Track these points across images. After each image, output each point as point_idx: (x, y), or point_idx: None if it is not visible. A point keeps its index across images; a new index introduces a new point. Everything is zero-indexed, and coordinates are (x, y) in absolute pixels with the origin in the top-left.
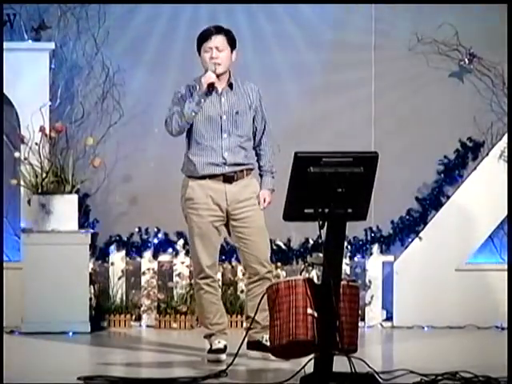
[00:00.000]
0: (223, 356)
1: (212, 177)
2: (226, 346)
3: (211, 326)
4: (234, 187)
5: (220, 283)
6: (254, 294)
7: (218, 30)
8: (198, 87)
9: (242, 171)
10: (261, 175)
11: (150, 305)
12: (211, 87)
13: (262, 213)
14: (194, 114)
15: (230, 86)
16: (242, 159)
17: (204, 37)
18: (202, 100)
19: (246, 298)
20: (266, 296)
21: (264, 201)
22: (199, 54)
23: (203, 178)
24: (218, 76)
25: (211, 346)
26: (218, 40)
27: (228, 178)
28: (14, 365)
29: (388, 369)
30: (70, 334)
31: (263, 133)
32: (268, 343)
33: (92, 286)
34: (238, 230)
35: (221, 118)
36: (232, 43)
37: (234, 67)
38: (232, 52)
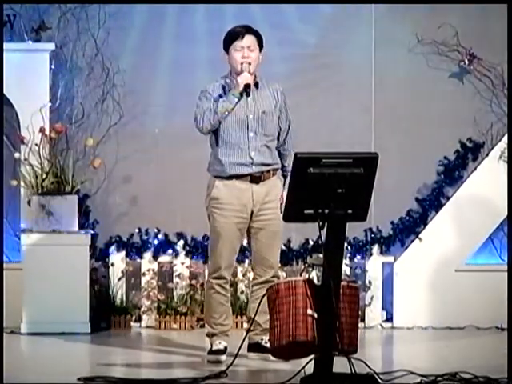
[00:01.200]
0: (223, 357)
1: (239, 177)
2: (226, 348)
3: (215, 326)
4: (261, 187)
5: None
6: (257, 295)
7: (249, 29)
8: (230, 86)
9: (268, 171)
10: (284, 176)
11: (150, 305)
12: (248, 88)
13: (281, 217)
14: (227, 112)
15: (256, 85)
16: (269, 159)
17: (235, 36)
18: (236, 99)
19: (250, 299)
20: (266, 297)
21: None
22: (227, 52)
23: (230, 178)
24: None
25: (211, 346)
26: (250, 39)
27: (255, 179)
28: (14, 365)
29: (388, 369)
30: (70, 334)
31: (287, 133)
32: (267, 345)
33: (92, 287)
34: (255, 231)
35: (247, 117)
36: (260, 43)
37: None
38: (260, 52)
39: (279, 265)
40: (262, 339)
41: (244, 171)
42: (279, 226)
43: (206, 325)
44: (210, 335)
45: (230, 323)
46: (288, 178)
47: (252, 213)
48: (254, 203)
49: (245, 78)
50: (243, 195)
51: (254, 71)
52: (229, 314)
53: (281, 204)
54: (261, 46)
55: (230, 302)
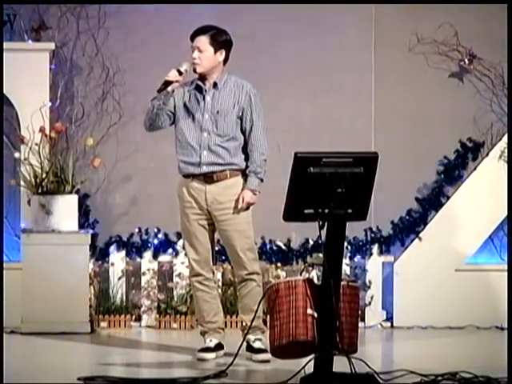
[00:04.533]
0: (210, 355)
1: (194, 176)
2: (218, 345)
3: (205, 324)
4: (215, 188)
5: (220, 283)
6: (240, 295)
7: (202, 30)
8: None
9: (223, 171)
10: (247, 175)
11: (150, 305)
12: (165, 85)
13: (244, 216)
14: (155, 110)
15: (215, 85)
16: (223, 159)
17: (191, 36)
18: (162, 97)
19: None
20: (266, 296)
21: (243, 200)
22: None
23: (188, 177)
24: (203, 76)
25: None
26: (200, 40)
27: (207, 179)
28: (14, 365)
29: (388, 369)
30: (71, 334)
31: (250, 134)
32: (255, 344)
33: (92, 287)
34: (220, 233)
35: (203, 116)
36: (216, 44)
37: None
38: (216, 52)
39: (251, 263)
40: (249, 338)
41: (194, 171)
42: (241, 226)
43: (198, 323)
44: (203, 333)
45: (219, 320)
46: (249, 179)
47: (209, 212)
48: (208, 203)
49: (170, 76)
50: (198, 195)
51: (205, 71)
52: (217, 310)
53: (235, 205)
54: (217, 47)
55: (218, 299)
